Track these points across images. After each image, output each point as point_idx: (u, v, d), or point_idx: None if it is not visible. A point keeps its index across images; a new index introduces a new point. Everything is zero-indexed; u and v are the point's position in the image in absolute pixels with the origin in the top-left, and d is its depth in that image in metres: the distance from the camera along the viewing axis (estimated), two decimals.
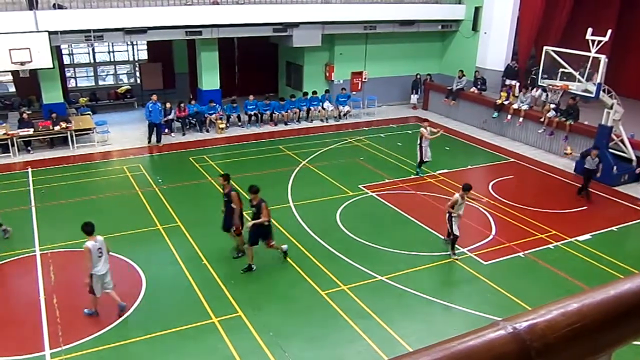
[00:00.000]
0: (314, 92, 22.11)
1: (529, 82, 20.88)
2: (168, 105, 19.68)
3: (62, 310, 9.30)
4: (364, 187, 14.99)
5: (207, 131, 20.19)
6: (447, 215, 11.07)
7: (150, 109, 18.26)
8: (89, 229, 8.78)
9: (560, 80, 16.29)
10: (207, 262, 10.90)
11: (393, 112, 23.80)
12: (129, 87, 24.18)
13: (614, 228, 12.96)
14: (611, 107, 15.59)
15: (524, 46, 21.74)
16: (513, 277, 10.70)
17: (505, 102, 20.40)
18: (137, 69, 24.96)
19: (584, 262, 11.32)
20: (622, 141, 16.11)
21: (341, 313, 9.33)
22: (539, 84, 17.72)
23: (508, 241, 12.08)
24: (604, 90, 15.33)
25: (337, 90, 22.86)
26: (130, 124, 20.71)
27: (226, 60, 23.42)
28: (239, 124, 21.11)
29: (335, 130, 21.08)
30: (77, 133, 18.00)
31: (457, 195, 11.01)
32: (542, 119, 18.81)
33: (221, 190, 11.27)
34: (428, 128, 15.69)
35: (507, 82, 21.44)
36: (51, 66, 17.38)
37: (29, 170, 16.00)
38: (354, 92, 23.64)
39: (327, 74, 23.62)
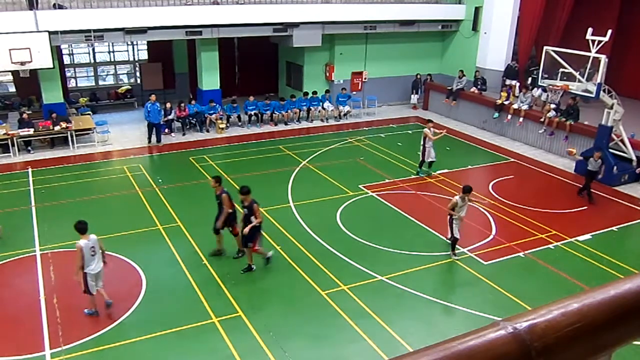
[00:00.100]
0: (314, 92, 22.11)
1: (528, 82, 20.88)
2: (168, 105, 19.69)
3: (62, 310, 9.30)
4: (364, 187, 14.99)
5: (207, 131, 20.20)
6: (449, 217, 11.05)
7: (149, 109, 18.26)
8: (82, 228, 8.79)
9: (561, 80, 16.29)
10: (207, 262, 10.90)
11: (393, 112, 23.80)
12: (129, 87, 24.19)
13: (614, 228, 12.96)
14: (611, 107, 15.59)
15: (524, 46, 21.73)
16: (513, 277, 10.70)
17: (506, 102, 20.40)
18: (137, 69, 24.96)
19: (584, 262, 11.32)
20: (622, 141, 16.11)
21: (341, 313, 9.33)
22: (539, 84, 17.72)
23: (508, 241, 12.08)
24: (604, 90, 15.33)
25: (337, 90, 22.86)
26: (131, 124, 20.72)
27: (226, 60, 23.43)
28: (239, 124, 21.11)
29: (335, 130, 21.09)
30: (77, 133, 18.00)
31: (456, 198, 10.95)
32: (542, 119, 18.81)
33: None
34: (432, 129, 15.65)
35: (507, 82, 21.44)
36: (51, 66, 17.38)
37: (29, 170, 16.01)
38: (354, 92, 23.64)
39: (328, 74, 23.62)
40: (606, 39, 14.72)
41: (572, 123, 17.86)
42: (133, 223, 12.64)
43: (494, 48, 22.61)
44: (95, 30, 17.79)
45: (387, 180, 15.61)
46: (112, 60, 25.20)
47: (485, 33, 22.97)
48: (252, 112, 21.01)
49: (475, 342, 0.94)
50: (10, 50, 16.26)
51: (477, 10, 23.13)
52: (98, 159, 17.56)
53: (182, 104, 19.92)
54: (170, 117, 19.63)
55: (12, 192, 14.49)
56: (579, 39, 15.74)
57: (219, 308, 9.41)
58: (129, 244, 11.63)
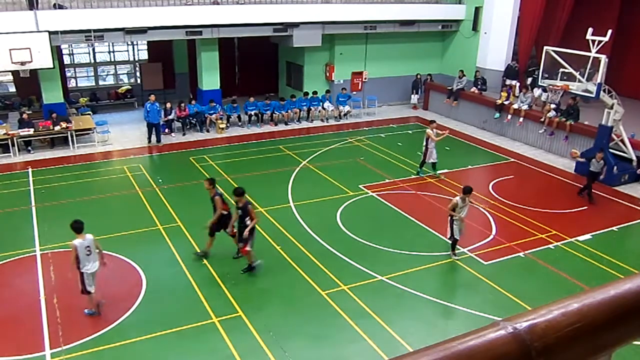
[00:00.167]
0: (315, 92, 22.11)
1: (528, 82, 20.88)
2: (168, 105, 19.70)
3: (62, 310, 9.30)
4: (364, 187, 14.99)
5: (208, 131, 20.20)
6: (449, 217, 11.02)
7: (148, 109, 18.26)
8: (78, 227, 8.81)
9: (561, 80, 16.29)
10: (207, 262, 10.90)
11: (393, 112, 23.81)
12: (129, 87, 24.19)
13: (614, 228, 12.96)
14: (611, 107, 15.59)
15: (524, 46, 21.73)
16: (513, 277, 10.70)
17: (506, 102, 20.40)
18: (137, 69, 24.96)
19: (584, 262, 11.32)
20: (622, 141, 16.12)
21: (341, 313, 9.33)
22: (540, 83, 17.73)
23: (508, 241, 12.08)
24: (604, 90, 15.33)
25: (338, 90, 22.87)
26: (131, 124, 20.72)
27: (226, 60, 23.44)
28: (239, 124, 21.11)
29: (335, 130, 21.09)
30: (77, 133, 18.00)
31: (456, 199, 10.91)
32: (542, 119, 18.81)
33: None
34: (435, 130, 15.61)
35: (508, 82, 21.44)
36: (51, 66, 17.38)
37: (29, 170, 16.01)
38: (354, 92, 23.64)
39: (328, 74, 23.62)
40: (606, 39, 14.72)
41: (572, 123, 17.86)
42: (133, 223, 12.64)
43: (494, 48, 22.61)
44: (95, 30, 17.79)
45: (387, 180, 15.61)
46: (112, 60, 25.20)
47: (485, 33, 22.97)
48: (252, 112, 21.01)
49: (475, 342, 0.94)
50: (10, 50, 16.27)
51: (477, 10, 23.13)
52: (98, 159, 17.56)
53: (182, 104, 19.92)
54: (170, 117, 19.63)
55: (12, 192, 14.50)
56: (579, 39, 15.74)
57: (219, 308, 9.41)
58: (129, 244, 11.63)
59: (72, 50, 24.09)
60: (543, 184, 16.09)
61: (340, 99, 22.44)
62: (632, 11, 21.59)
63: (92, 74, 24.85)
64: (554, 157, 18.29)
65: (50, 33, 16.90)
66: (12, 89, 22.61)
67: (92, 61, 24.78)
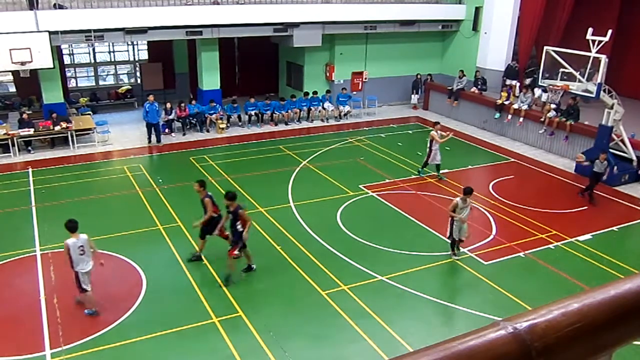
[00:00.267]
0: (315, 92, 22.12)
1: (528, 82, 20.89)
2: (168, 105, 19.71)
3: (62, 310, 9.30)
4: (364, 187, 14.99)
5: (208, 131, 20.20)
6: (450, 218, 10.99)
7: (147, 110, 18.26)
8: (72, 226, 8.83)
9: (561, 80, 16.29)
10: (207, 262, 10.90)
11: (393, 112, 23.81)
12: (129, 87, 24.20)
13: (614, 228, 12.96)
14: (612, 107, 15.59)
15: (525, 46, 21.73)
16: (513, 277, 10.70)
17: (506, 102, 20.40)
18: (137, 69, 24.97)
19: (585, 262, 11.31)
20: (622, 141, 16.11)
21: (341, 313, 9.33)
22: (540, 84, 17.72)
23: (508, 241, 12.08)
24: (604, 90, 15.33)
25: (338, 90, 22.86)
26: (131, 124, 20.72)
27: (226, 60, 23.44)
28: (240, 124, 21.11)
29: (335, 130, 21.09)
30: (77, 133, 18.01)
31: (457, 199, 10.88)
32: (542, 119, 18.81)
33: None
34: (439, 131, 15.55)
35: (508, 82, 21.44)
36: (51, 66, 17.38)
37: (30, 170, 16.01)
38: (354, 92, 23.64)
39: (328, 74, 23.62)
40: (606, 39, 14.72)
41: (573, 123, 17.86)
42: (133, 223, 12.64)
43: (494, 48, 22.61)
44: (95, 30, 17.80)
45: (387, 180, 15.61)
46: (113, 60, 25.21)
47: (485, 33, 22.97)
48: (252, 112, 21.01)
49: (475, 342, 0.94)
50: (10, 50, 16.27)
51: (478, 10, 23.13)
52: (98, 159, 17.56)
53: (183, 104, 19.92)
54: (170, 117, 19.64)
55: (12, 192, 14.50)
56: (579, 39, 15.74)
57: (219, 308, 9.41)
58: (129, 244, 11.63)
59: (72, 50, 24.10)
60: (543, 184, 16.09)
61: (340, 99, 22.44)
62: (632, 11, 21.59)
63: (92, 74, 24.85)
64: (554, 157, 18.29)
65: (51, 33, 16.90)
66: (12, 89, 22.62)
67: (92, 61, 24.79)
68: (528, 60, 22.03)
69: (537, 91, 19.82)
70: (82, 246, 8.78)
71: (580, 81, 15.55)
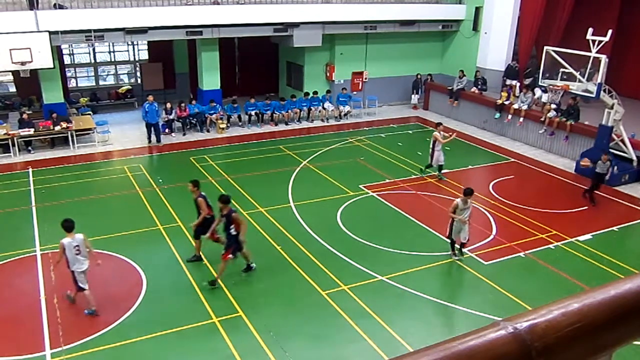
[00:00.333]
0: (315, 92, 22.12)
1: (528, 82, 20.90)
2: (169, 105, 19.71)
3: (62, 310, 9.30)
4: (364, 187, 14.99)
5: (208, 131, 20.20)
6: (450, 219, 10.95)
7: (146, 110, 18.27)
8: (68, 226, 8.87)
9: (561, 80, 16.29)
10: (207, 262, 10.90)
11: (394, 112, 23.81)
12: (129, 87, 24.21)
13: (614, 228, 12.95)
14: (612, 107, 15.59)
15: (525, 46, 21.73)
16: (514, 277, 10.69)
17: (506, 102, 20.40)
18: (137, 69, 24.97)
19: (585, 262, 11.31)
20: (622, 141, 16.11)
21: (341, 313, 9.32)
22: (540, 84, 17.72)
23: (509, 241, 12.08)
24: (604, 90, 15.32)
25: (338, 90, 22.86)
26: (131, 124, 20.72)
27: (227, 60, 23.44)
28: (240, 124, 21.11)
29: (336, 130, 21.09)
30: (77, 133, 18.01)
31: (457, 201, 10.80)
32: (542, 119, 18.81)
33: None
34: (442, 132, 15.48)
35: (508, 82, 21.44)
36: (52, 66, 17.38)
37: (30, 170, 16.01)
38: (354, 92, 23.65)
39: (328, 74, 23.62)
40: (606, 39, 14.72)
41: (573, 123, 17.85)
42: (133, 223, 12.64)
43: (495, 48, 22.60)
44: (95, 30, 17.80)
45: (387, 180, 15.61)
46: (113, 60, 25.21)
47: (485, 33, 22.97)
48: (252, 112, 21.01)
49: (475, 342, 0.94)
50: (10, 50, 16.27)
51: (478, 10, 23.13)
52: (98, 159, 17.56)
53: (183, 104, 19.92)
54: (170, 117, 19.64)
55: (12, 192, 14.50)
56: (580, 39, 15.74)
57: (219, 308, 9.41)
58: (130, 244, 11.64)
59: (72, 50, 24.11)
60: (543, 184, 16.09)
61: (340, 99, 22.44)
62: (632, 11, 21.59)
63: (93, 74, 24.86)
64: (554, 157, 18.29)
65: (51, 33, 16.91)
66: (13, 89, 22.62)
67: (93, 61, 24.80)
68: (528, 60, 22.03)
69: (537, 92, 19.81)
70: (77, 246, 8.80)
71: (580, 81, 15.55)
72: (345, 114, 22.44)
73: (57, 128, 17.61)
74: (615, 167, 15.41)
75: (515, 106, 19.87)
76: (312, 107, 21.97)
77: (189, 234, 11.98)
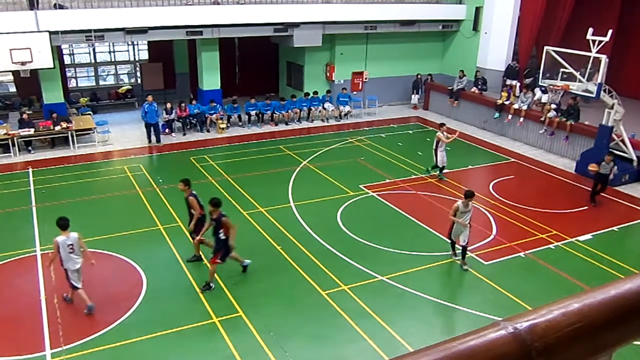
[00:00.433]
0: (315, 92, 22.12)
1: (528, 82, 20.89)
2: (169, 105, 19.72)
3: (62, 310, 9.31)
4: (364, 187, 14.99)
5: (208, 131, 20.20)
6: (451, 222, 10.88)
7: (146, 110, 18.27)
8: (63, 224, 8.89)
9: (561, 80, 16.28)
10: (207, 262, 10.88)
11: (394, 112, 23.81)
12: (129, 87, 24.21)
13: (614, 228, 12.95)
14: (612, 107, 15.58)
15: (525, 46, 21.73)
16: (514, 277, 10.69)
17: (506, 102, 20.40)
18: (137, 69, 24.97)
19: (585, 262, 11.31)
20: (622, 141, 16.11)
21: (342, 313, 9.32)
22: (540, 84, 17.72)
23: (509, 241, 12.08)
24: (604, 90, 15.32)
25: (338, 90, 22.87)
26: (131, 124, 20.72)
27: (227, 60, 23.44)
28: (240, 124, 21.11)
29: (336, 130, 21.09)
30: (77, 133, 18.01)
31: (458, 203, 10.65)
32: (542, 119, 18.81)
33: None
34: (445, 132, 15.43)
35: (508, 82, 21.45)
36: (52, 66, 17.38)
37: (30, 170, 16.01)
38: (354, 92, 23.65)
39: (328, 74, 23.62)
40: (607, 39, 14.71)
41: (573, 123, 17.85)
42: (133, 223, 12.64)
43: (495, 48, 22.60)
44: (95, 30, 17.80)
45: (387, 180, 15.61)
46: (113, 60, 25.21)
47: (485, 33, 22.97)
48: (252, 112, 21.01)
49: (475, 342, 0.94)
50: (10, 50, 16.27)
51: (478, 10, 23.13)
52: (98, 159, 17.57)
53: (183, 104, 19.93)
54: (171, 117, 19.65)
55: (12, 192, 14.50)
56: (580, 39, 15.73)
57: (219, 308, 9.41)
58: (130, 244, 11.63)
59: (72, 50, 24.11)
60: (543, 184, 16.09)
61: (340, 99, 22.44)
62: (633, 11, 21.59)
63: (93, 74, 24.86)
64: (555, 157, 18.29)
65: (51, 33, 16.91)
66: (13, 89, 22.62)
67: (93, 61, 24.80)
68: (528, 60, 22.03)
69: (537, 93, 19.81)
70: (71, 244, 8.84)
71: (580, 81, 15.55)
72: (345, 114, 22.44)
73: (57, 128, 17.61)
74: (616, 167, 15.40)
75: (516, 106, 19.87)
76: (312, 107, 21.97)
77: (189, 234, 12.00)
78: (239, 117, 21.10)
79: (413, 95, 24.36)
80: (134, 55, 25.16)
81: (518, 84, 21.03)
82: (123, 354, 8.30)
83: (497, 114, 20.62)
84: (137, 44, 24.60)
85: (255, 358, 8.24)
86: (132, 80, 25.48)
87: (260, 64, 25.29)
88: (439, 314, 9.69)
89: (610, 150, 15.33)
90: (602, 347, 1.03)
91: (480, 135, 20.56)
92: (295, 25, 20.63)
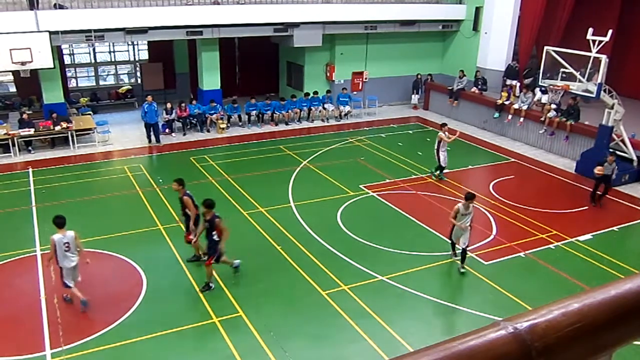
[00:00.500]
0: (315, 92, 22.12)
1: (527, 82, 20.90)
2: (169, 105, 19.72)
3: (62, 310, 9.31)
4: (364, 187, 14.99)
5: (208, 131, 20.20)
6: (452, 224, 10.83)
7: (145, 110, 18.27)
8: (59, 222, 8.95)
9: (561, 80, 16.28)
10: None
11: (394, 112, 23.81)
12: (129, 87, 24.21)
13: (614, 228, 12.95)
14: (612, 107, 15.58)
15: (525, 46, 21.73)
16: (514, 277, 10.69)
17: (506, 102, 20.40)
18: (137, 69, 24.97)
19: (585, 262, 11.31)
20: (622, 141, 16.11)
21: (342, 313, 9.32)
22: (540, 84, 17.71)
23: (509, 241, 12.07)
24: (604, 90, 15.32)
25: (338, 90, 22.87)
26: (131, 124, 20.72)
27: (227, 60, 23.45)
28: (240, 124, 21.11)
29: (336, 130, 21.09)
30: (77, 133, 18.01)
31: (458, 205, 10.53)
32: (542, 119, 18.81)
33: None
34: (446, 133, 15.39)
35: (508, 82, 21.45)
36: (52, 66, 17.38)
37: (30, 170, 16.01)
38: (354, 92, 23.65)
39: (328, 74, 23.62)
40: (607, 39, 14.71)
41: (573, 123, 17.85)
42: (134, 223, 12.64)
43: (495, 48, 22.60)
44: (95, 30, 17.80)
45: (387, 180, 15.61)
46: (113, 60, 25.21)
47: (485, 33, 22.96)
48: (252, 112, 21.01)
49: (475, 342, 0.94)
50: (10, 50, 16.27)
51: (478, 10, 23.13)
52: (99, 159, 17.57)
53: (183, 104, 19.93)
54: (171, 117, 19.65)
55: (12, 192, 14.50)
56: (580, 39, 15.74)
57: (220, 308, 9.41)
58: (130, 244, 11.63)
59: (72, 50, 24.10)
60: (543, 184, 16.09)
61: (340, 99, 22.44)
62: (633, 11, 21.59)
63: (93, 74, 24.86)
64: (555, 157, 18.29)
65: (51, 33, 16.91)
66: (13, 89, 22.62)
67: (93, 61, 24.80)
68: (528, 60, 22.03)
69: (537, 94, 19.81)
70: (67, 243, 8.88)
71: (580, 81, 15.55)
72: (345, 114, 22.44)
73: (57, 128, 17.61)
74: (616, 167, 15.40)
75: (516, 106, 19.87)
76: (312, 107, 21.97)
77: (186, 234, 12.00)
78: (239, 117, 21.10)
79: (413, 95, 24.36)
80: (134, 55, 25.16)
81: (518, 84, 21.03)
82: (123, 354, 8.30)
83: (497, 114, 20.62)
84: (137, 44, 24.60)
85: (255, 358, 8.24)
86: (132, 80, 25.48)
87: (260, 64, 25.29)
88: (439, 314, 9.69)
89: (612, 150, 15.33)
90: (602, 347, 1.03)
91: (480, 135, 20.56)
92: (295, 25, 20.62)
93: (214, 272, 10.15)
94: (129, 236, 12.05)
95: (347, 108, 22.43)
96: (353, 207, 13.78)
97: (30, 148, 17.72)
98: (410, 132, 21.15)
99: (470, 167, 17.30)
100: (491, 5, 22.54)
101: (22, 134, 17.25)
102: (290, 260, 11.02)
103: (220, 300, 9.67)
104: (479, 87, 21.95)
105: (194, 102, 20.45)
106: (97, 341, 8.53)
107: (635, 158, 15.94)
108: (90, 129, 18.44)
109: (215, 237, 9.68)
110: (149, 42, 23.02)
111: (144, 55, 24.99)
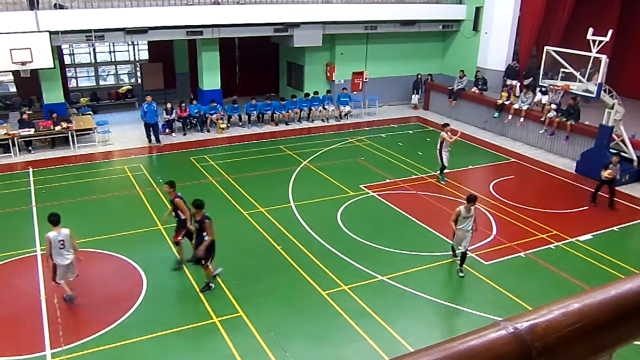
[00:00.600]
0: (315, 92, 22.12)
1: (527, 83, 20.90)
2: (169, 105, 19.72)
3: (62, 310, 9.30)
4: (364, 187, 14.99)
5: (208, 131, 20.20)
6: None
7: (145, 110, 18.28)
8: (54, 220, 9.08)
9: (561, 80, 16.28)
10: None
11: (394, 112, 23.81)
12: (129, 87, 24.21)
13: (614, 228, 12.95)
14: (612, 107, 15.58)
15: (525, 46, 21.73)
16: (514, 277, 10.69)
17: (506, 102, 20.41)
18: (138, 68, 24.97)
19: (585, 262, 11.31)
20: (622, 141, 16.11)
21: (342, 313, 9.32)
22: (540, 84, 17.71)
23: (509, 241, 12.07)
24: (604, 90, 15.31)
25: (338, 90, 22.87)
26: (131, 124, 20.72)
27: (227, 60, 23.45)
28: (240, 124, 21.11)
29: (336, 130, 21.09)
30: (78, 133, 18.01)
31: (459, 208, 10.37)
32: (542, 119, 18.80)
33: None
34: (448, 133, 15.31)
35: (508, 82, 21.45)
36: (52, 66, 17.38)
37: (30, 170, 16.01)
38: (354, 92, 23.65)
39: (328, 74, 23.62)
40: (607, 39, 14.71)
41: (573, 123, 17.85)
42: (134, 223, 12.64)
43: (495, 48, 22.60)
44: (96, 30, 17.80)
45: (387, 180, 15.61)
46: (113, 60, 25.21)
47: (486, 33, 22.97)
48: (252, 113, 21.01)
49: (476, 342, 0.94)
50: (11, 50, 16.28)
51: (478, 10, 23.13)
52: (99, 159, 17.57)
53: (183, 104, 19.93)
54: (171, 117, 19.65)
55: (12, 192, 14.50)
56: (580, 39, 15.73)
57: (220, 308, 9.41)
58: (130, 244, 11.64)
59: (72, 50, 24.11)
60: (544, 184, 16.08)
61: (341, 99, 22.44)
62: (633, 11, 21.59)
63: (93, 74, 24.87)
64: (555, 157, 18.29)
65: (51, 33, 16.91)
66: (13, 89, 22.63)
67: (93, 61, 24.80)
68: (529, 60, 22.04)
69: (538, 94, 19.80)
70: (62, 240, 8.94)
71: (580, 81, 15.54)
72: (345, 114, 22.44)
73: (58, 128, 17.61)
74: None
75: (516, 106, 19.87)
76: (312, 107, 21.97)
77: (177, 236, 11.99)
78: (239, 117, 21.10)
79: (413, 95, 24.37)
80: (134, 55, 25.16)
81: (518, 84, 21.03)
82: (123, 354, 8.30)
83: (497, 114, 20.62)
84: (137, 44, 24.61)
85: (255, 358, 8.24)
86: (132, 80, 25.48)
87: (261, 64, 25.30)
88: (439, 314, 9.69)
89: (616, 151, 15.30)
90: (603, 347, 1.02)
91: (480, 135, 20.55)
92: (296, 25, 20.63)
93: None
94: (129, 236, 12.05)
95: (347, 108, 22.43)
96: (353, 207, 13.78)
97: (30, 148, 17.72)
98: (411, 132, 21.15)
99: (470, 167, 17.30)
100: (491, 5, 22.54)
101: (22, 134, 17.26)
102: (290, 260, 11.02)
103: (221, 300, 9.67)
104: (479, 87, 21.95)
105: (194, 102, 20.46)
106: (97, 341, 8.53)
107: (635, 158, 15.94)
108: (90, 129, 18.45)
109: (206, 237, 9.61)
110: (149, 42, 23.03)
111: (144, 55, 24.99)
